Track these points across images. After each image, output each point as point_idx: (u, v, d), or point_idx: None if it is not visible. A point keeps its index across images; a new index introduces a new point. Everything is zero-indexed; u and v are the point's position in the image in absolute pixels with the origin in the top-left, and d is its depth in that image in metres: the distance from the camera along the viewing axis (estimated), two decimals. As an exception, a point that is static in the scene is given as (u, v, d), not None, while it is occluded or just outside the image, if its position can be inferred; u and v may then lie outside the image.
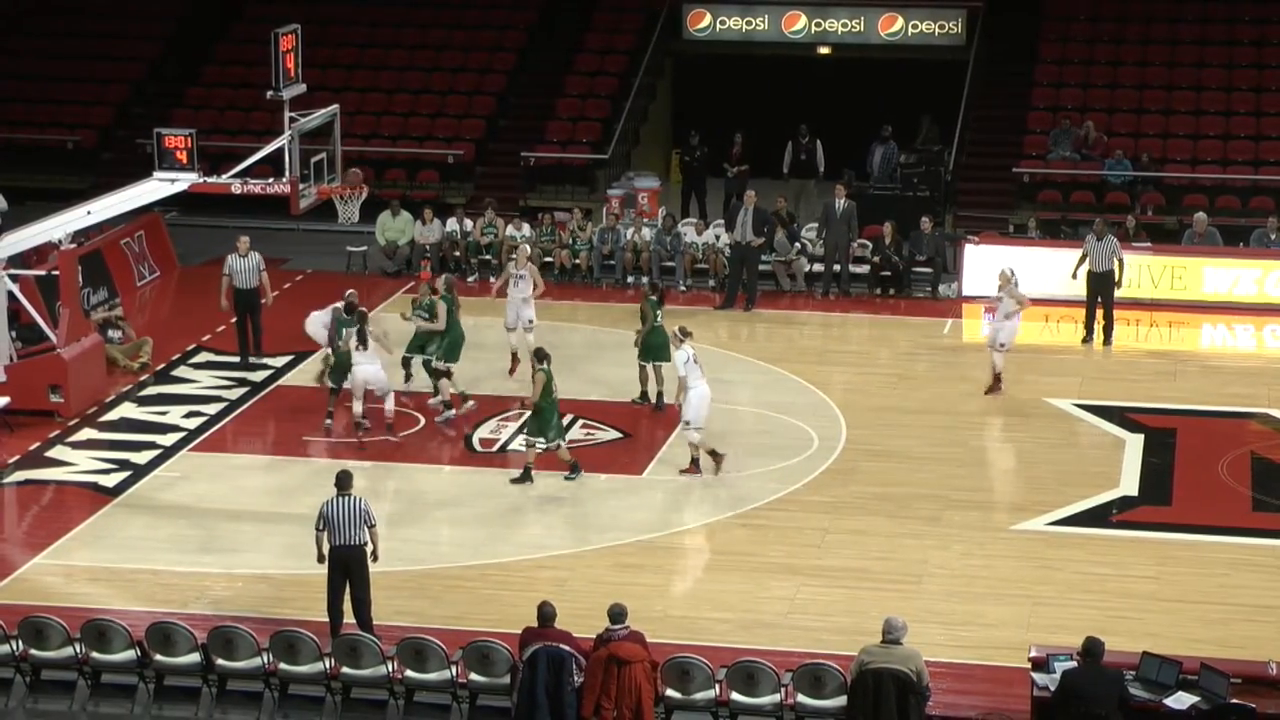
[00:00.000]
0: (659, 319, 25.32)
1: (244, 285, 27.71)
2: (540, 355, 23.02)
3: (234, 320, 27.99)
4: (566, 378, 26.07)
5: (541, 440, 22.83)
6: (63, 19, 40.00)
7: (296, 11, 33.80)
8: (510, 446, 24.26)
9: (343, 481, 18.50)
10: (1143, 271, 30.64)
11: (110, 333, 27.58)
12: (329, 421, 24.70)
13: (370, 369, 24.15)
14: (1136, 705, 16.10)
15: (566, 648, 16.58)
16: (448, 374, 25.30)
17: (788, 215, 32.39)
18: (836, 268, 31.73)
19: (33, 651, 17.82)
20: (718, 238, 32.44)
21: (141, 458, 23.91)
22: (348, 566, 18.30)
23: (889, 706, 16.02)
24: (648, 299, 25.70)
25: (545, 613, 16.76)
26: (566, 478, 22.97)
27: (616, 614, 16.62)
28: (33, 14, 40.23)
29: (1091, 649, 15.91)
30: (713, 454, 23.20)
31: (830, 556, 20.90)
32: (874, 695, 16.06)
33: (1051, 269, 30.77)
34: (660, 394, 25.44)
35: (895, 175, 34.83)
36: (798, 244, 31.88)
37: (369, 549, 18.35)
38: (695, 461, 23.23)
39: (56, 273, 26.11)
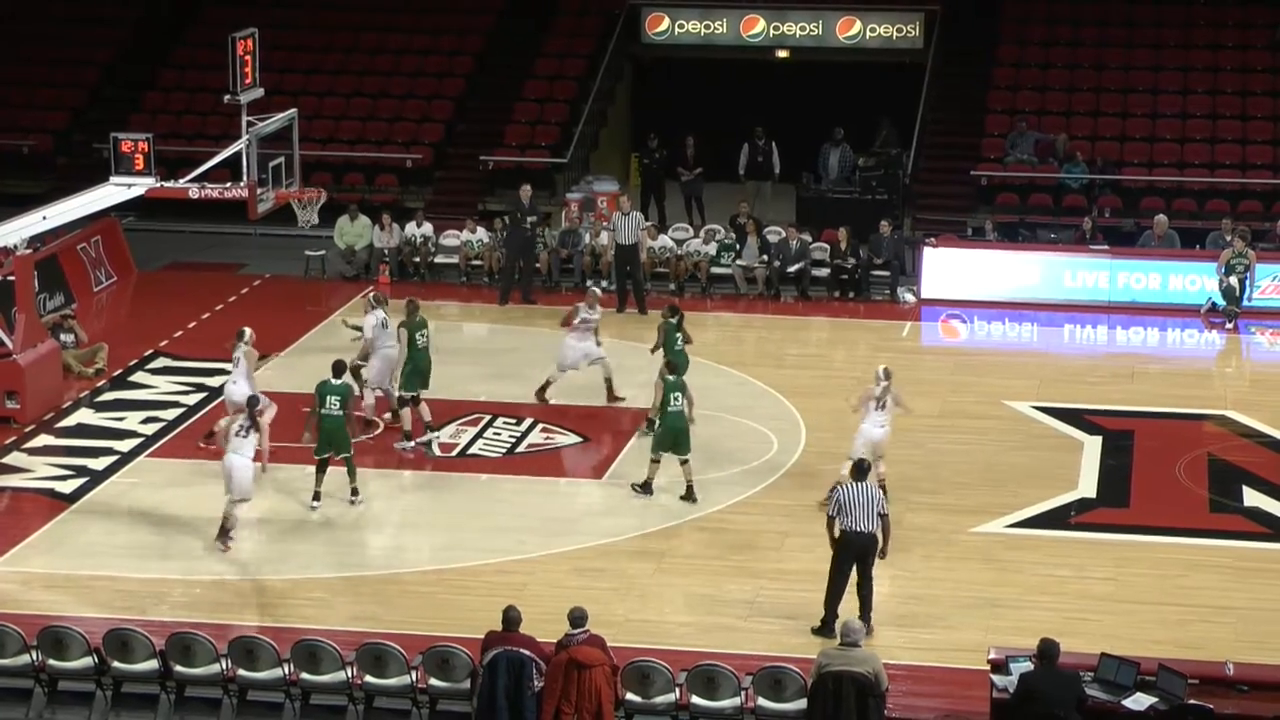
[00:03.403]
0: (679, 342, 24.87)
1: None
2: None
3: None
4: (524, 383, 26.15)
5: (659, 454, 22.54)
6: (14, 23, 39.69)
7: (253, 15, 33.71)
8: (470, 451, 24.21)
9: (861, 470, 19.21)
10: (1100, 274, 30.78)
11: (63, 336, 27.38)
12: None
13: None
14: (1094, 706, 16.15)
15: (527, 652, 16.54)
16: (414, 401, 24.16)
17: (753, 221, 32.38)
18: (792, 269, 31.69)
19: (-11, 659, 17.75)
20: (680, 243, 32.45)
21: (99, 464, 23.78)
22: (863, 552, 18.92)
23: (848, 708, 16.04)
24: (667, 320, 25.14)
25: (510, 616, 16.69)
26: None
27: (576, 618, 16.59)
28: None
29: (1046, 651, 15.94)
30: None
31: (790, 560, 20.90)
32: (834, 698, 16.09)
33: (1009, 271, 30.97)
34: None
35: (852, 178, 34.90)
36: (765, 256, 31.77)
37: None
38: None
39: (12, 278, 25.93)
